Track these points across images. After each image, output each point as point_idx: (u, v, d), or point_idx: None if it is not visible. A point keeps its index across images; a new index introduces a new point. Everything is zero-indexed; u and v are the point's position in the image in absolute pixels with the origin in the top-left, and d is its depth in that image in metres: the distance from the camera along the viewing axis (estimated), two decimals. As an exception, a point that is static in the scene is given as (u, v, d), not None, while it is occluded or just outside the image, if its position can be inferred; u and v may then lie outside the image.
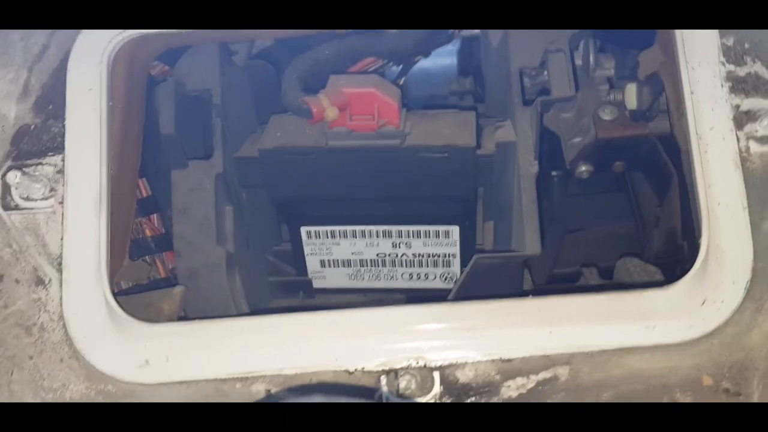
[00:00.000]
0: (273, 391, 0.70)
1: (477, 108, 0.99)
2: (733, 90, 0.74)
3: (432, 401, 0.68)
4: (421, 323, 0.71)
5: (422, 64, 1.10)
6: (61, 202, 0.76)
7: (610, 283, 0.98)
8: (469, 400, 0.68)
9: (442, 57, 1.23)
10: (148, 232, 0.92)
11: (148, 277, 0.90)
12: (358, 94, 0.86)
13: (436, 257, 1.01)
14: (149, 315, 0.80)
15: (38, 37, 0.82)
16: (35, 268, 0.75)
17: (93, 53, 0.79)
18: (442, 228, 0.98)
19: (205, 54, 0.95)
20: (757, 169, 0.72)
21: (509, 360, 0.69)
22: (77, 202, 0.75)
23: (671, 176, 0.93)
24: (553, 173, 1.10)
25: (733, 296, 0.69)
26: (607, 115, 0.94)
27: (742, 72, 0.75)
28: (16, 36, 0.82)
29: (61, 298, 0.74)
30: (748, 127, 0.73)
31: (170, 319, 0.82)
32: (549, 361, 0.69)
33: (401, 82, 1.02)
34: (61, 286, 0.74)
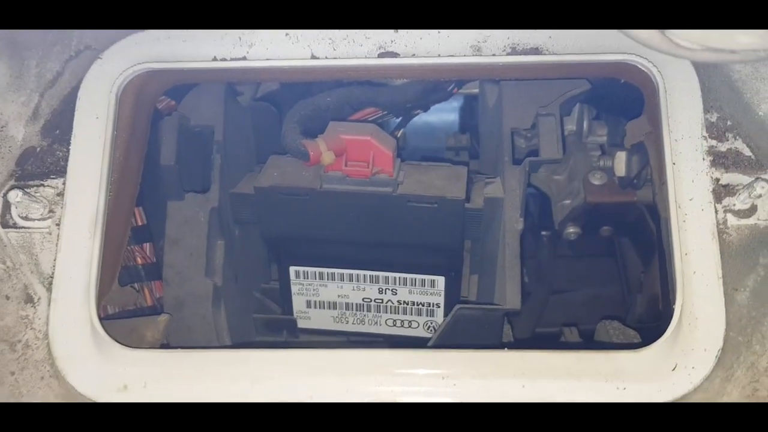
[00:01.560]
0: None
1: (469, 164, 1.02)
2: (714, 164, 0.76)
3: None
4: (396, 367, 0.72)
5: (423, 119, 1.13)
6: (58, 224, 0.78)
7: (584, 342, 0.99)
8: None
9: (443, 113, 1.27)
10: (139, 260, 0.93)
11: (134, 304, 0.91)
12: (354, 141, 0.89)
13: (420, 306, 1.02)
14: (132, 340, 0.81)
15: (53, 64, 0.85)
16: (26, 285, 0.76)
17: (104, 83, 0.82)
18: (428, 277, 1.00)
19: (211, 92, 0.99)
20: (734, 242, 0.74)
21: (481, 410, 0.70)
22: (73, 225, 0.77)
23: (656, 244, 0.95)
24: (543, 233, 1.13)
25: (704, 364, 0.70)
26: (596, 180, 0.97)
27: (723, 147, 0.77)
28: (32, 62, 0.85)
29: (48, 317, 0.75)
30: (726, 201, 0.75)
31: (152, 346, 0.83)
32: (519, 414, 0.70)
33: (399, 133, 1.04)
34: (49, 305, 0.75)
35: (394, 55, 0.82)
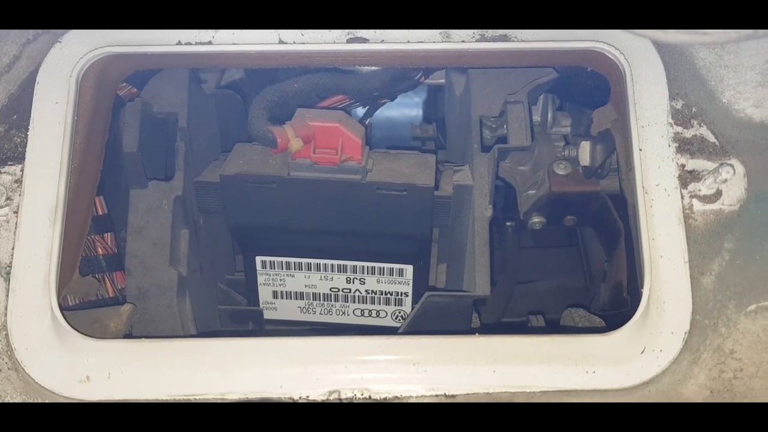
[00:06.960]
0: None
1: (437, 153, 1.02)
2: (680, 150, 0.77)
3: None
4: (367, 354, 0.71)
5: (389, 109, 1.13)
6: (16, 212, 0.75)
7: (554, 328, 1.00)
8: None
9: (408, 104, 1.27)
10: (100, 250, 0.91)
11: (96, 294, 0.89)
12: (323, 127, 0.88)
13: (388, 295, 1.02)
14: (95, 331, 0.79)
15: (10, 47, 0.82)
16: (-18, 275, 0.74)
17: (63, 68, 0.80)
18: (396, 266, 0.99)
19: (175, 78, 0.97)
20: (699, 226, 0.75)
21: (452, 396, 0.70)
22: (32, 213, 0.75)
23: (620, 233, 0.96)
24: (508, 223, 1.13)
25: (672, 346, 0.71)
26: (561, 170, 0.98)
27: (688, 134, 0.78)
28: (-13, 46, 0.83)
29: (6, 308, 0.72)
30: (692, 186, 0.76)
31: (116, 337, 0.81)
32: (491, 399, 0.70)
33: (367, 122, 1.04)
34: (7, 295, 0.73)
35: (363, 40, 0.81)
